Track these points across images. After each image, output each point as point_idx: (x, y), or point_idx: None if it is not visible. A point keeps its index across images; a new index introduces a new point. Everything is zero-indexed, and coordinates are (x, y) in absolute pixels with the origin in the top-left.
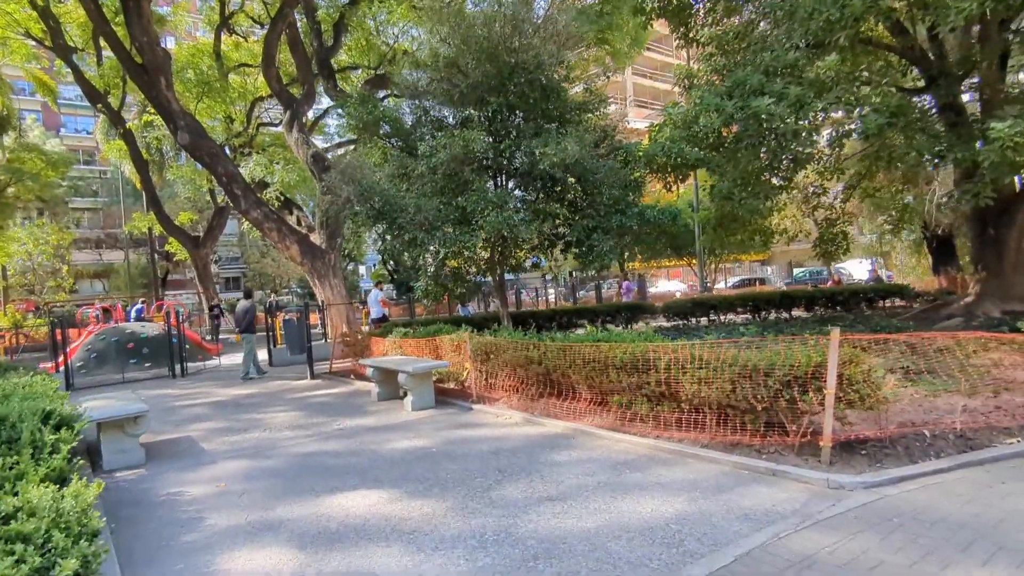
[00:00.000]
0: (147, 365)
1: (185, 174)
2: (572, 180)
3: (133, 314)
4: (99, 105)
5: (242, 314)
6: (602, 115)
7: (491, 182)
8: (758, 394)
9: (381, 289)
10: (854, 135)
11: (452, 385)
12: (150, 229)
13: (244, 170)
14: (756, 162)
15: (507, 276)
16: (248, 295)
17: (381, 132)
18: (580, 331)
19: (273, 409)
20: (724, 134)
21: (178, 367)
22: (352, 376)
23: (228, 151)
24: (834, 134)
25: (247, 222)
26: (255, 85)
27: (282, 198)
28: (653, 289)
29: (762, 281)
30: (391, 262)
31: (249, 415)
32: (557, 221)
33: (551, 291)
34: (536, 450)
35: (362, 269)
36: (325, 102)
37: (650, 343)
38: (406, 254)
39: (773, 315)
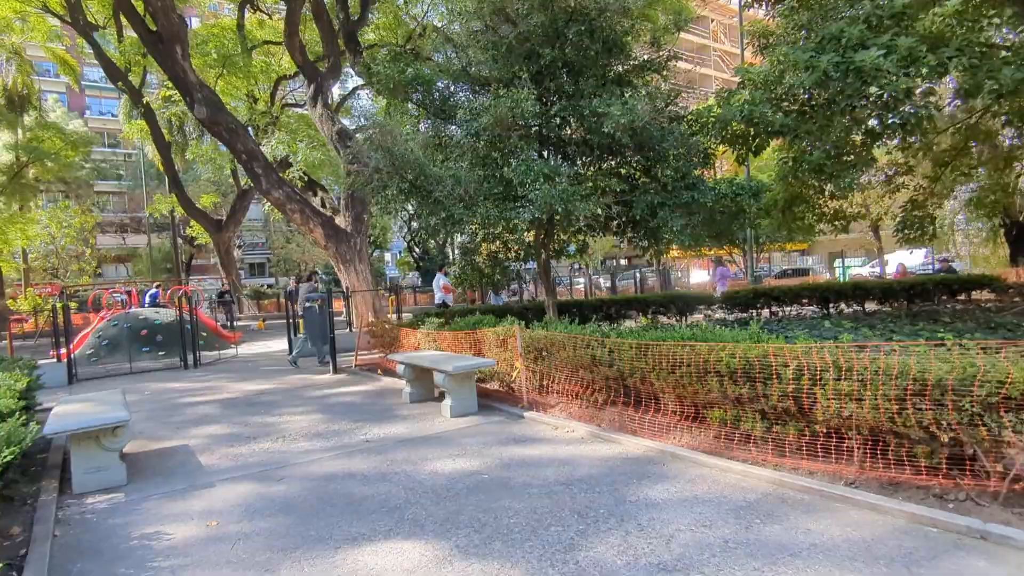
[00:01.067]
0: (160, 354)
1: (206, 153)
2: (631, 151)
3: (147, 299)
4: (120, 83)
5: (303, 298)
6: (667, 75)
7: (537, 152)
8: (943, 419)
9: (446, 274)
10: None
11: (496, 386)
12: (172, 212)
13: (266, 148)
14: (854, 128)
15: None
16: (308, 278)
17: (414, 98)
18: (629, 323)
19: (289, 410)
20: (813, 96)
21: (191, 357)
22: (379, 371)
23: (251, 132)
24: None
25: (268, 203)
26: (279, 64)
27: (305, 178)
28: (685, 279)
29: (803, 272)
30: (416, 249)
31: (261, 417)
32: (613, 198)
33: (579, 279)
34: (620, 482)
35: (387, 256)
36: (351, 84)
37: (770, 345)
38: (434, 239)
39: (843, 308)
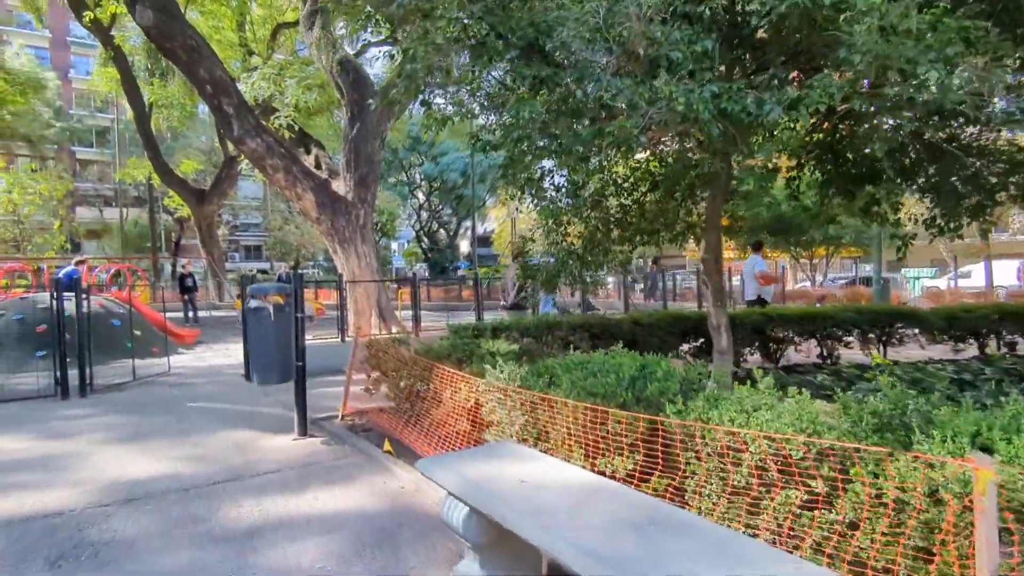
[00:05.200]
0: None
1: (172, 97)
2: None
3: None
4: (86, 19)
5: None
6: None
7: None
8: None
9: (765, 257)
10: None
11: None
12: (149, 180)
13: (244, 88)
14: None
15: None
16: (295, 266)
17: None
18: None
19: None
20: None
21: (85, 374)
22: (386, 445)
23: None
24: None
25: (244, 156)
26: (281, 10)
27: (296, 131)
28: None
29: (866, 281)
30: (425, 239)
31: None
32: None
33: (608, 282)
34: None
35: (394, 245)
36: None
37: None
38: (576, 176)
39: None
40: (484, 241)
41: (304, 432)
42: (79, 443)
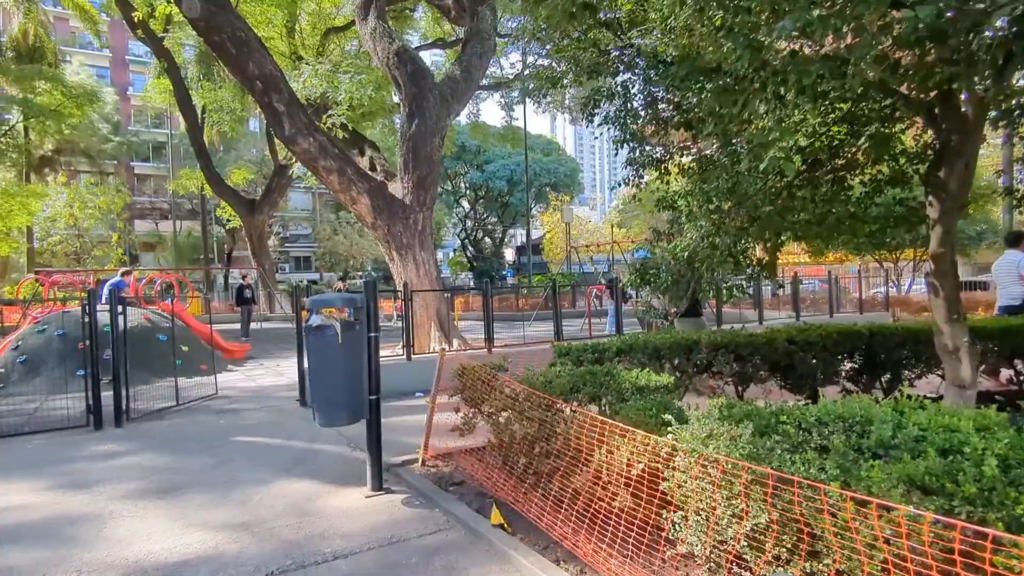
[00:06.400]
0: (105, 380)
1: (222, 99)
2: None
3: (104, 292)
4: (139, 31)
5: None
6: None
7: None
8: None
9: None
10: None
11: None
12: (202, 192)
13: (295, 86)
14: None
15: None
16: (343, 277)
17: None
18: None
19: None
20: None
21: (120, 401)
22: (494, 508)
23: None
24: None
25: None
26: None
27: (348, 130)
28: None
29: (982, 286)
30: (471, 248)
31: None
32: None
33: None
34: None
35: (440, 255)
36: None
37: None
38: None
39: None
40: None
41: (379, 485)
42: (100, 498)
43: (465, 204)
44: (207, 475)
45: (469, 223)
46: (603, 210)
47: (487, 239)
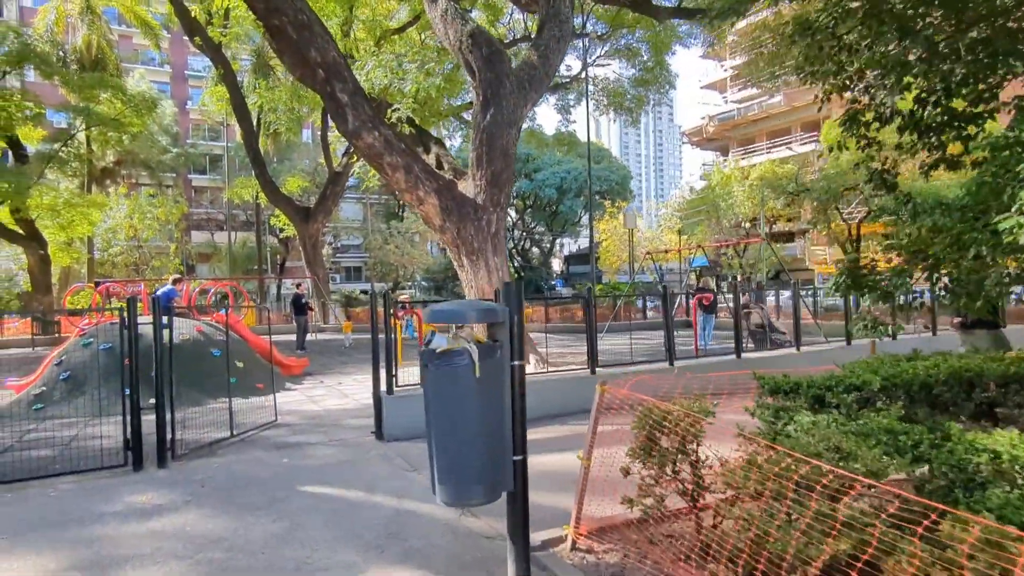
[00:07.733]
0: (150, 402)
1: (279, 99)
2: None
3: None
4: (197, 39)
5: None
6: None
7: None
8: None
9: None
10: None
11: None
12: (256, 201)
13: (359, 76)
14: None
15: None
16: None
17: None
18: None
19: None
20: None
21: (165, 437)
22: None
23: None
24: None
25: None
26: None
27: (414, 125)
28: None
29: None
30: (518, 257)
31: None
32: None
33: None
34: None
35: None
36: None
37: None
38: None
39: None
40: (583, 259)
41: None
42: None
43: (513, 213)
44: (273, 553)
45: (517, 233)
46: (652, 217)
47: (535, 248)
